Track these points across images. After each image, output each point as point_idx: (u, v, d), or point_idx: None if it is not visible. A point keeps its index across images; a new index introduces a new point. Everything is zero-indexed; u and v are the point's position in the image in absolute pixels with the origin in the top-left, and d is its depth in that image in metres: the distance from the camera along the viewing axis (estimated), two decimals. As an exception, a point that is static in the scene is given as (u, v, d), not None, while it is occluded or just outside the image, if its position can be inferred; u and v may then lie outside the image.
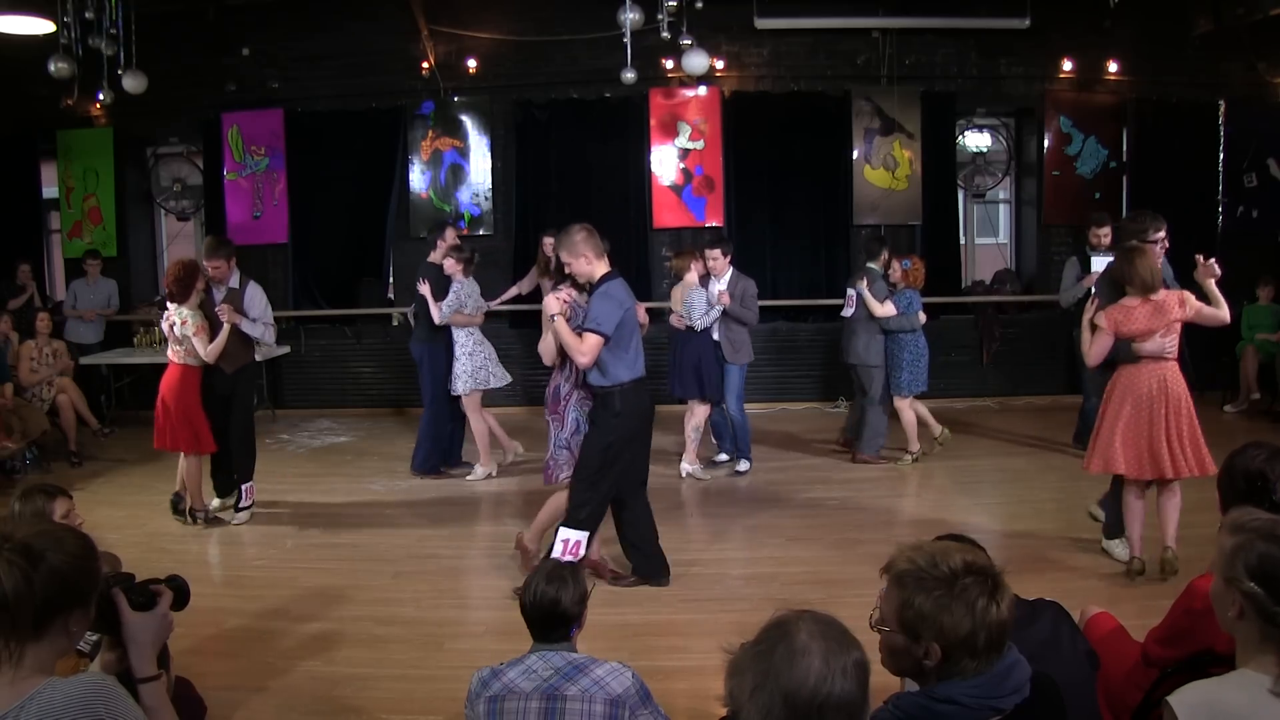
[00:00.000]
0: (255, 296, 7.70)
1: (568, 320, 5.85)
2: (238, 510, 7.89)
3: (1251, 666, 2.45)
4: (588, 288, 6.00)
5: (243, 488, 7.95)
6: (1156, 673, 3.33)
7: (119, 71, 9.43)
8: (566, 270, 6.08)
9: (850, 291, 9.21)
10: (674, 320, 9.00)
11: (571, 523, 5.92)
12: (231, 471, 8.04)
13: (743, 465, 9.15)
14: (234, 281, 7.65)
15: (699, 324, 8.76)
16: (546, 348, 6.13)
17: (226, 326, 7.37)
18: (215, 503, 8.08)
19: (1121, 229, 6.64)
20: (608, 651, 3.63)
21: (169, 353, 7.56)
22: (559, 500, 6.23)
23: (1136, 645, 3.61)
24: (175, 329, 7.36)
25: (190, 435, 7.52)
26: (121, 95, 9.74)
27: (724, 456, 9.32)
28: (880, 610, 2.44)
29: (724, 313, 8.71)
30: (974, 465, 9.23)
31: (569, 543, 5.86)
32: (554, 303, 5.88)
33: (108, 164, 12.57)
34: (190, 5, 11.09)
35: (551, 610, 3.52)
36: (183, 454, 7.60)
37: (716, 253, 8.78)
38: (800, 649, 1.99)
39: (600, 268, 5.97)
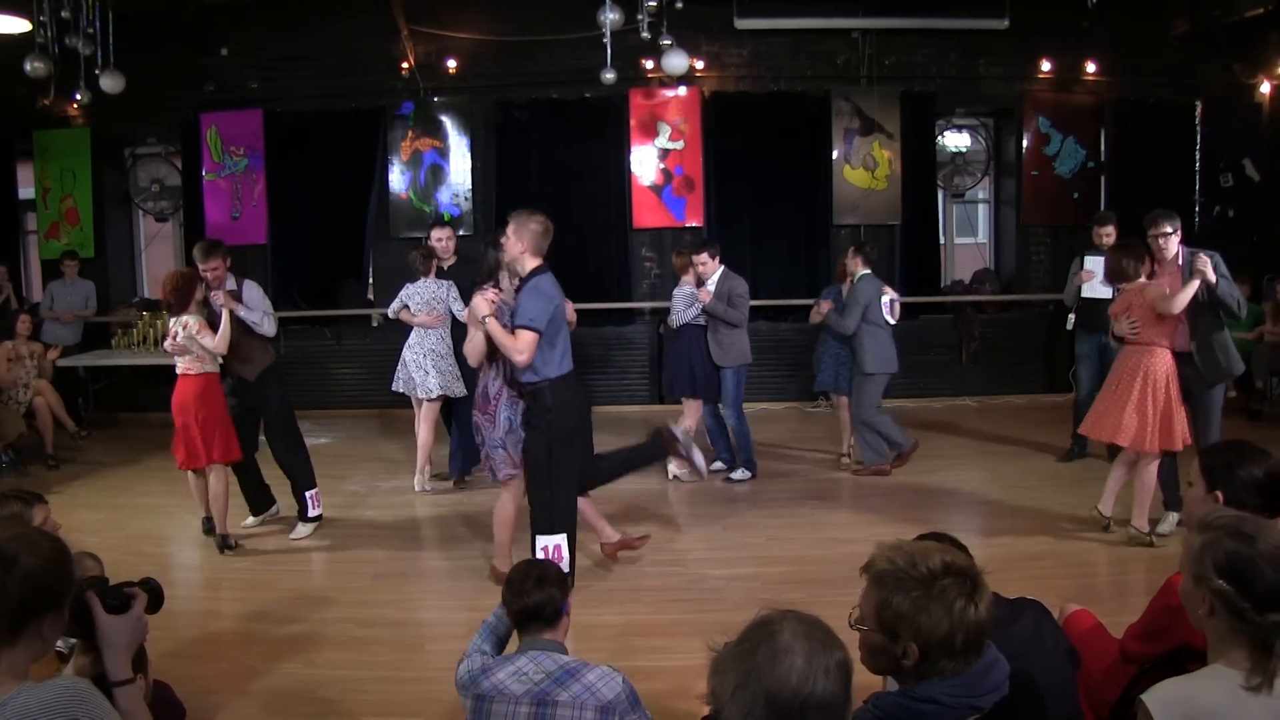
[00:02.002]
0: (253, 292, 7.55)
1: (497, 319, 5.81)
2: (305, 521, 7.57)
3: (1223, 662, 2.47)
4: (515, 284, 5.98)
5: (306, 496, 7.60)
6: (1135, 669, 3.34)
7: (96, 71, 9.39)
8: (501, 255, 6.05)
9: (886, 300, 8.86)
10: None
11: (542, 529, 5.91)
12: (260, 486, 7.74)
13: (739, 474, 8.88)
14: (230, 284, 7.47)
15: (674, 320, 8.79)
16: (473, 349, 6.04)
17: (227, 313, 7.10)
18: (250, 520, 7.72)
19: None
20: (589, 652, 3.64)
21: (180, 367, 7.10)
22: (505, 511, 6.27)
23: (1115, 642, 3.63)
24: (179, 338, 6.97)
25: (222, 444, 7.09)
26: (99, 95, 9.69)
27: (719, 465, 9.06)
28: (860, 609, 2.45)
29: (710, 313, 8.61)
30: (954, 464, 9.25)
31: (549, 549, 5.86)
32: (483, 304, 5.83)
33: (85, 164, 12.50)
34: (168, 5, 11.04)
35: (534, 611, 3.54)
36: (213, 470, 7.12)
37: (704, 256, 8.70)
38: (783, 648, 1.99)
39: (530, 262, 5.90)
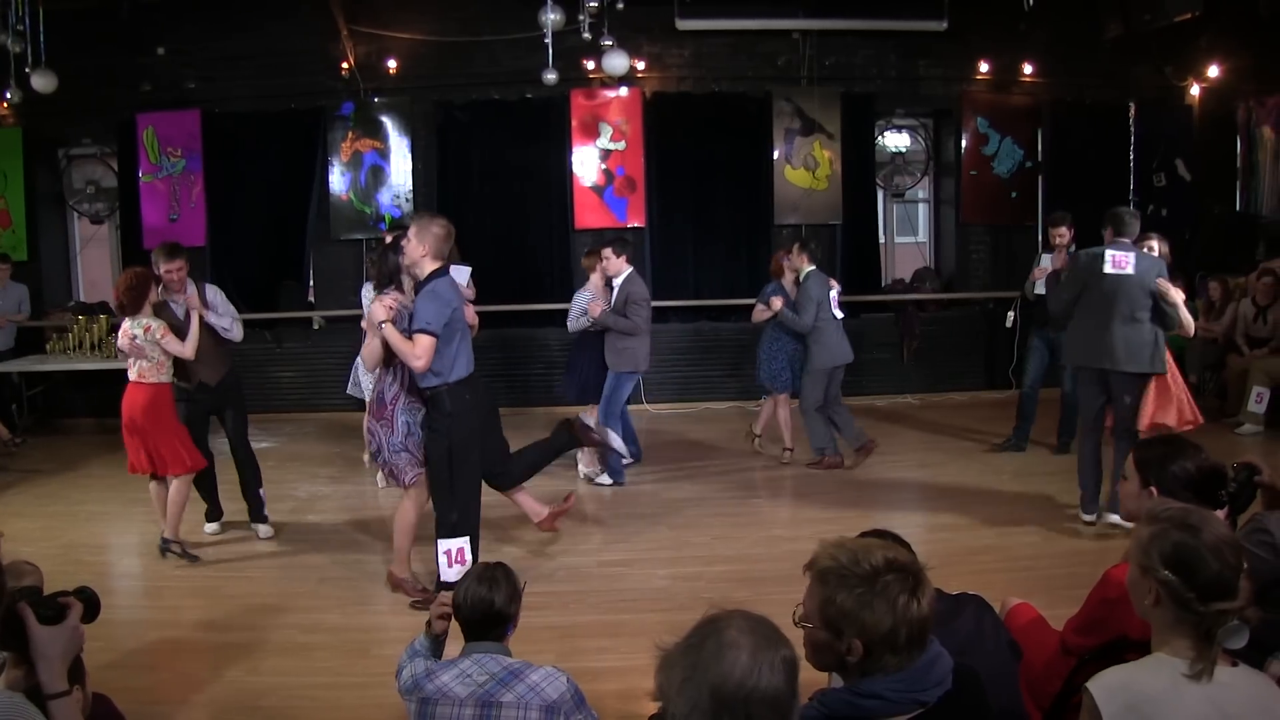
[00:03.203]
0: (217, 297, 7.43)
1: (394, 324, 5.77)
2: (264, 520, 7.58)
3: (1166, 651, 2.54)
4: (414, 288, 5.94)
5: (261, 493, 7.65)
6: (1075, 660, 3.40)
7: (27, 70, 9.23)
8: (401, 259, 5.97)
9: (833, 294, 8.99)
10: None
11: (445, 532, 5.90)
12: (215, 491, 7.61)
13: (603, 477, 8.76)
14: (190, 288, 7.33)
15: (570, 326, 8.86)
16: (370, 353, 6.00)
17: (196, 315, 7.02)
18: (211, 528, 7.61)
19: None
20: (535, 654, 3.62)
21: (132, 373, 6.93)
22: (408, 517, 6.21)
23: (1056, 634, 3.68)
24: (139, 339, 6.77)
25: (180, 454, 6.96)
26: (31, 94, 9.53)
27: (627, 460, 9.01)
28: (804, 607, 2.47)
29: (601, 325, 8.55)
30: (896, 461, 9.34)
31: (451, 552, 5.85)
32: (381, 309, 5.79)
33: (17, 165, 12.22)
34: (102, 3, 10.82)
35: (487, 611, 3.51)
36: (173, 478, 6.99)
37: (608, 251, 8.61)
38: (729, 643, 2.01)
39: (430, 266, 5.85)
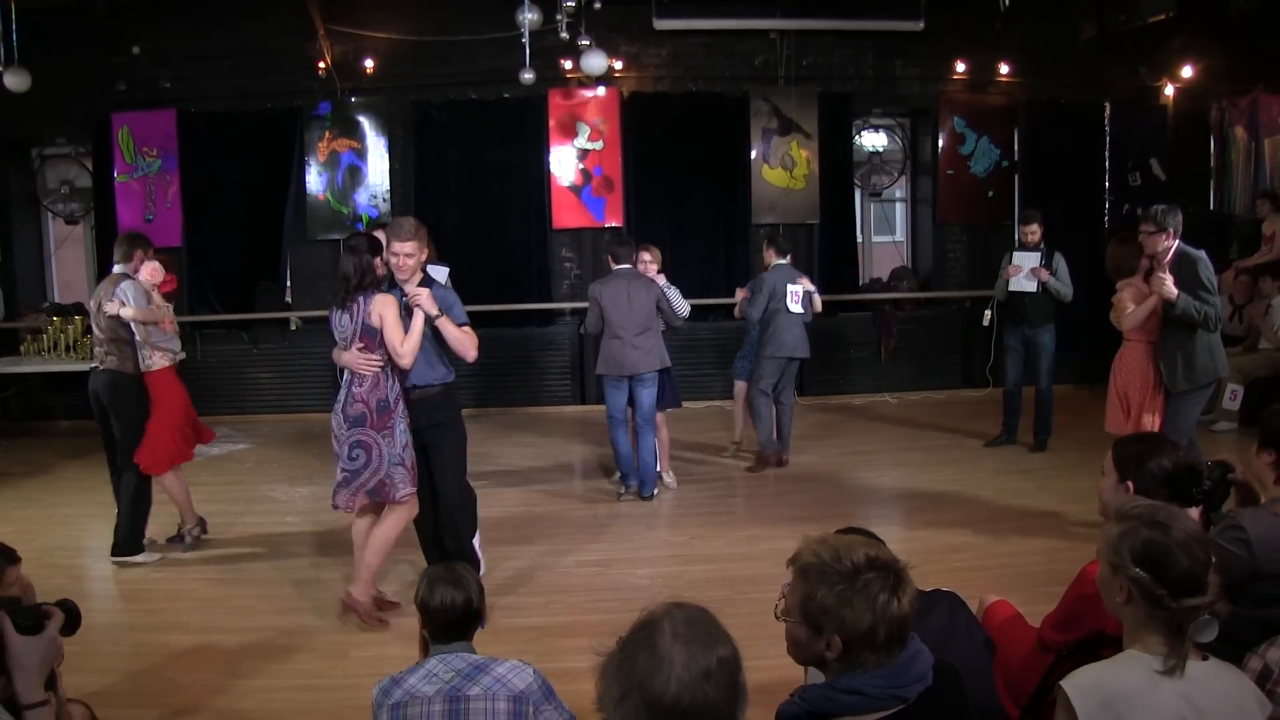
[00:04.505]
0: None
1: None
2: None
3: (1138, 648, 2.57)
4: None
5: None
6: (1052, 657, 3.42)
7: (0, 68, 9.14)
8: (403, 261, 5.71)
9: (796, 288, 8.95)
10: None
11: (473, 530, 5.90)
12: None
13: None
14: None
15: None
16: (411, 348, 5.57)
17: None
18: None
19: None
20: (515, 655, 3.62)
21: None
22: (390, 534, 5.75)
23: (1033, 631, 3.70)
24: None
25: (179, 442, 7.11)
26: (3, 94, 9.43)
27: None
28: (786, 601, 2.47)
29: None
30: (874, 460, 9.38)
31: (477, 550, 5.86)
32: (430, 303, 5.60)
33: (-10, 165, 12.16)
34: (77, 1, 10.74)
35: (465, 611, 3.50)
36: (174, 469, 7.05)
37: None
38: (663, 656, 1.99)
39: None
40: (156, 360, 7.03)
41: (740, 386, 9.43)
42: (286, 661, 5.34)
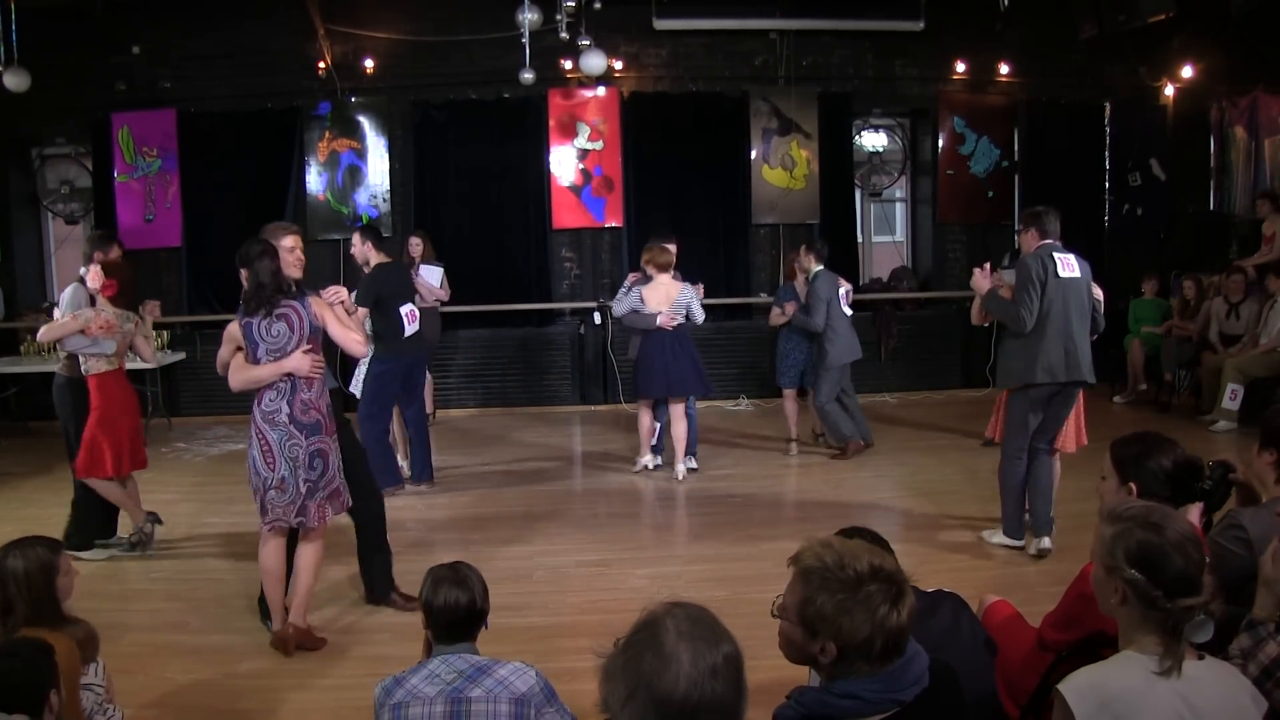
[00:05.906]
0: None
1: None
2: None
3: (1134, 648, 2.56)
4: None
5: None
6: (1052, 657, 3.41)
7: (-1, 68, 9.16)
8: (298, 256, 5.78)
9: (844, 290, 9.22)
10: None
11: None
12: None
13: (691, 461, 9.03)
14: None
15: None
16: (362, 335, 5.76)
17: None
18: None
19: None
20: (514, 655, 3.61)
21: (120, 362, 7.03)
22: (317, 556, 5.64)
23: (1033, 631, 3.69)
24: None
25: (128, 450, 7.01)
26: (3, 93, 9.44)
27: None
28: (783, 599, 2.45)
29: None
30: (876, 459, 9.37)
31: None
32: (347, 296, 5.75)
33: (-10, 165, 12.17)
34: (77, 1, 10.76)
35: (468, 612, 3.48)
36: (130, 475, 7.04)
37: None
38: (669, 654, 1.98)
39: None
40: (93, 364, 6.93)
41: (790, 394, 9.57)
42: (285, 660, 5.32)
